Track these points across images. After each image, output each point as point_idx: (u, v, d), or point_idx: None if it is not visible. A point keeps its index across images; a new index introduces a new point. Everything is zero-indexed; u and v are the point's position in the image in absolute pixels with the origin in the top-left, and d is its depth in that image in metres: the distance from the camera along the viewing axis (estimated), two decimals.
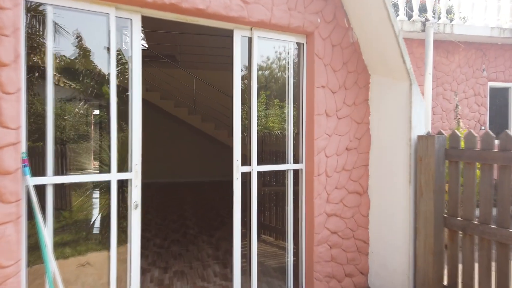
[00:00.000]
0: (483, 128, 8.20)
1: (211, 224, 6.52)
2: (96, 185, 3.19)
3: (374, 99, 4.02)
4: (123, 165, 2.96)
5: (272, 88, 4.20)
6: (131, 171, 2.98)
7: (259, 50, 3.60)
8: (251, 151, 3.54)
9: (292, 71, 3.87)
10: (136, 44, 3.00)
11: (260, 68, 3.70)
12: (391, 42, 3.54)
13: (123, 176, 2.95)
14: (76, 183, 3.33)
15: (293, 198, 3.86)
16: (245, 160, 3.56)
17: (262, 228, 4.88)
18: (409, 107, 3.62)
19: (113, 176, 2.88)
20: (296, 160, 3.87)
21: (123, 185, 3.00)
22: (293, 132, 3.85)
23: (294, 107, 3.85)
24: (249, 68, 3.57)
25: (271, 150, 4.25)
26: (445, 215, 3.43)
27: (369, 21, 3.68)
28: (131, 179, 2.97)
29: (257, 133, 3.60)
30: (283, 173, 3.91)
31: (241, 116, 3.51)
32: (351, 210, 3.95)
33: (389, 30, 3.50)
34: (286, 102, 3.87)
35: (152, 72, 9.84)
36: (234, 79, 3.46)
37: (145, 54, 10.73)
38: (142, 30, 11.93)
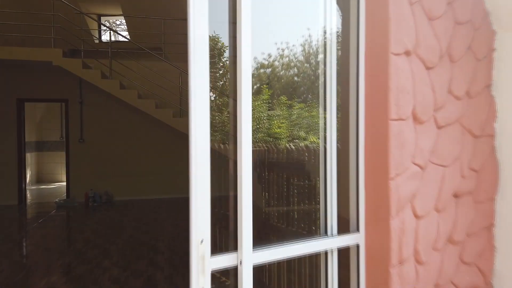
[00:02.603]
0: None
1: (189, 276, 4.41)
2: None
3: (507, 85, 1.88)
4: None
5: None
6: None
7: None
8: (240, 212, 1.41)
9: (332, 24, 1.72)
10: None
11: None
12: None
13: None
14: None
15: None
16: (226, 239, 1.45)
17: None
18: None
19: None
20: (343, 227, 1.66)
21: None
22: (337, 163, 1.68)
23: (337, 107, 1.68)
24: (233, 16, 1.44)
25: (282, 197, 2.16)
26: None
27: None
28: None
29: (255, 158, 1.50)
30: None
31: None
32: None
33: None
34: (320, 97, 1.71)
35: (130, 66, 7.88)
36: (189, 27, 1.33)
37: (125, 46, 8.84)
38: (124, 17, 9.96)
